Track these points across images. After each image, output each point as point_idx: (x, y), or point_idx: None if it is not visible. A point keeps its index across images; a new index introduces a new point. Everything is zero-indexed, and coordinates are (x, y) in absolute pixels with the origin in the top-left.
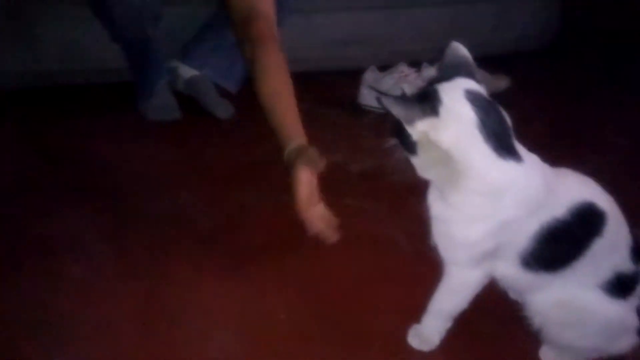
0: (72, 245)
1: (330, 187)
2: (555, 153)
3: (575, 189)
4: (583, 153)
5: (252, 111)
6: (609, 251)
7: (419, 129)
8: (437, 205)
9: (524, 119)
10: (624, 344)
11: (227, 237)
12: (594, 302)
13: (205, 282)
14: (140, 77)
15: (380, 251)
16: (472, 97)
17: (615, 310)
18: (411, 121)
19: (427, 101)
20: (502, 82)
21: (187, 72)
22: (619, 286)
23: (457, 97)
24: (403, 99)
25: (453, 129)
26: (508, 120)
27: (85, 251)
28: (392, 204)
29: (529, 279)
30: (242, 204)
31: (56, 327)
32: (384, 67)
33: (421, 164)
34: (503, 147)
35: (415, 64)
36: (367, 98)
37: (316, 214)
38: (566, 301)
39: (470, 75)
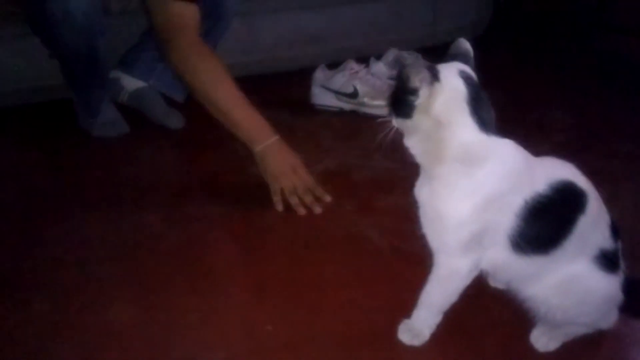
0: (33, 277)
1: None
2: (504, 136)
3: (554, 168)
4: (531, 133)
5: (202, 118)
6: (593, 229)
7: (425, 91)
8: (424, 191)
9: None
10: (612, 317)
11: (196, 252)
12: (592, 278)
13: (181, 301)
14: (84, 94)
15: (356, 250)
16: (465, 77)
17: (610, 283)
18: (422, 81)
19: (431, 71)
20: None
21: (132, 83)
22: (607, 262)
23: (452, 72)
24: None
25: (446, 97)
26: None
27: (48, 281)
28: (359, 201)
29: (521, 265)
30: (206, 217)
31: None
32: (333, 65)
33: (411, 128)
34: (486, 124)
35: (363, 60)
36: (319, 97)
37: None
38: (567, 283)
39: (467, 63)
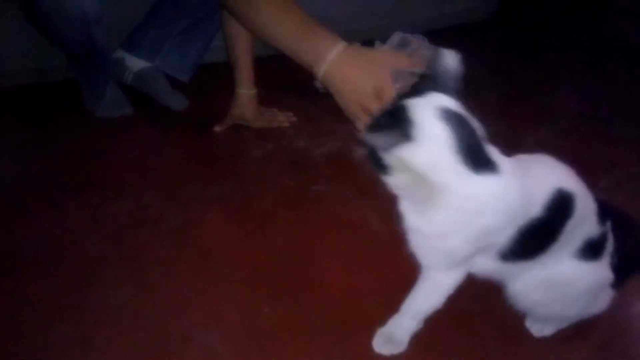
0: (34, 257)
1: (297, 173)
2: (509, 121)
3: (544, 179)
4: (535, 120)
5: (206, 100)
6: (579, 225)
7: (396, 154)
8: (414, 218)
9: (476, 91)
10: (604, 301)
11: (195, 233)
12: (573, 272)
13: (178, 282)
14: (88, 78)
15: (355, 234)
16: (445, 115)
17: (593, 272)
18: (388, 149)
19: (400, 124)
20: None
21: (136, 64)
22: (591, 250)
23: (429, 116)
24: (378, 126)
25: (427, 153)
26: (481, 131)
27: (48, 260)
28: (359, 186)
29: (507, 269)
30: (207, 199)
31: (30, 339)
32: None
33: (396, 183)
34: (478, 161)
35: (368, 43)
36: None
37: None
38: (547, 280)
39: (448, 90)
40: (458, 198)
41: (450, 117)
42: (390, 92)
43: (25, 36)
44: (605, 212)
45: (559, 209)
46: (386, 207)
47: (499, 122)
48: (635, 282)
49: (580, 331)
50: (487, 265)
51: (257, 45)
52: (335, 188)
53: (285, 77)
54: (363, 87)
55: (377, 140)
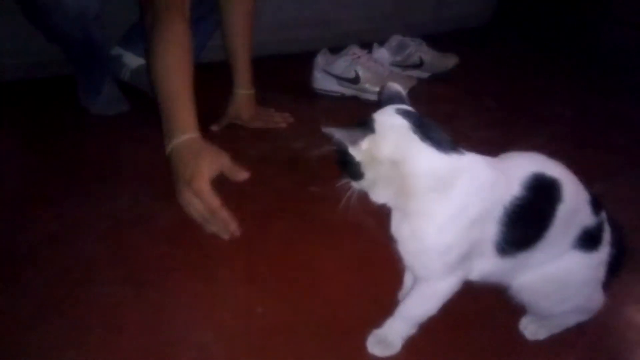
0: (30, 255)
1: (293, 175)
2: (505, 127)
3: (520, 165)
4: (531, 125)
5: (202, 99)
6: (574, 213)
7: (362, 147)
8: (403, 228)
9: (472, 95)
10: (599, 299)
11: (190, 233)
12: (573, 263)
13: (173, 282)
14: (85, 75)
15: (351, 237)
16: (403, 112)
17: (591, 262)
18: (354, 142)
19: (364, 123)
20: (451, 61)
21: (133, 61)
22: (588, 240)
23: (388, 113)
24: (344, 126)
25: (389, 138)
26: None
27: (43, 258)
28: None
29: (508, 265)
30: None
31: (24, 337)
32: (336, 50)
33: (370, 184)
34: (442, 144)
35: (366, 45)
36: (321, 82)
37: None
38: (550, 274)
39: (402, 103)
40: (427, 175)
41: (408, 113)
42: (200, 184)
43: (22, 31)
44: (598, 203)
45: (543, 191)
46: (382, 211)
47: (494, 128)
48: (624, 288)
49: (572, 336)
50: (488, 267)
51: (255, 46)
52: (331, 190)
53: (283, 78)
54: (183, 173)
55: (344, 134)
